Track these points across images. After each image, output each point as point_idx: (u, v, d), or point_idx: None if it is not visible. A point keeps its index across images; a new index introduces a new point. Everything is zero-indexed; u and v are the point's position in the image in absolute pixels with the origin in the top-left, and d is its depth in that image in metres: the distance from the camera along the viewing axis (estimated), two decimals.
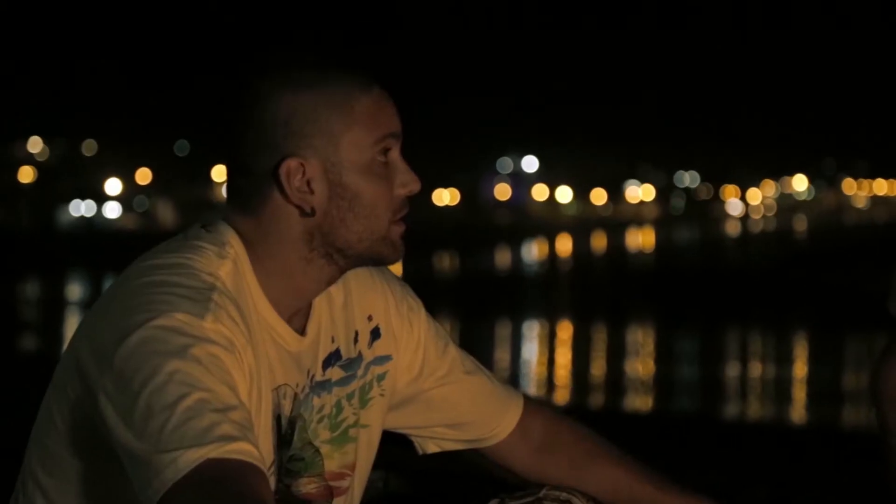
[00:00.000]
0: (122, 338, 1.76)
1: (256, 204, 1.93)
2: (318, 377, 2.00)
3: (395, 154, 1.95)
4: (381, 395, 2.10)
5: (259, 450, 1.66)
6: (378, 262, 1.99)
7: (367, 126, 1.92)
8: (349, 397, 2.04)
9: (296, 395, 1.96)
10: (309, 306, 2.00)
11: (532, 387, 15.78)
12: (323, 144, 1.91)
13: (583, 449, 2.28)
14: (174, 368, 1.70)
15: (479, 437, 2.24)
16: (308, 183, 1.91)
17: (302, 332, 1.98)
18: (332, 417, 2.02)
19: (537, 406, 2.29)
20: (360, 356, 2.07)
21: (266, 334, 1.92)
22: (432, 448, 2.25)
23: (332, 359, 2.02)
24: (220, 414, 1.66)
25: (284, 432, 1.96)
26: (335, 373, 2.03)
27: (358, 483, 2.09)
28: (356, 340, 2.07)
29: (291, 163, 1.90)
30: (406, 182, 1.96)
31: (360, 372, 2.06)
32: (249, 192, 1.93)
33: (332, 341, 2.03)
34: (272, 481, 1.95)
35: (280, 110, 1.89)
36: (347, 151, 1.91)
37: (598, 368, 17.86)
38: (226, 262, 1.90)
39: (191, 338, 1.75)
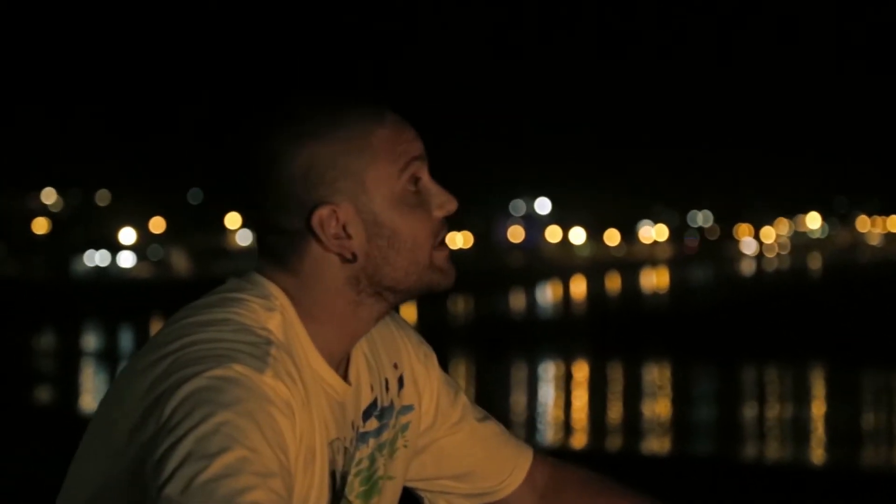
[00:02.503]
0: (174, 387, 1.66)
1: (293, 259, 1.84)
2: (361, 428, 1.91)
3: (425, 178, 1.86)
4: (405, 446, 2.02)
5: None
6: (431, 290, 1.89)
7: (389, 157, 1.83)
8: (380, 448, 1.95)
9: (346, 448, 1.87)
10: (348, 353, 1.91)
11: (549, 429, 15.72)
12: (349, 186, 1.82)
13: (589, 490, 2.21)
14: (224, 420, 1.60)
15: (490, 490, 2.16)
16: (344, 228, 1.82)
17: (345, 379, 1.89)
18: (367, 470, 1.93)
19: (543, 456, 2.22)
20: (391, 405, 1.98)
21: (318, 387, 1.83)
22: None
23: (371, 409, 1.94)
24: (259, 478, 1.56)
25: (339, 488, 1.87)
26: (372, 423, 1.94)
27: None
28: (387, 388, 1.98)
29: (323, 211, 1.80)
30: (442, 203, 1.87)
31: (391, 422, 1.98)
32: (283, 248, 1.83)
33: (372, 390, 1.95)
34: None
35: (297, 166, 1.80)
36: (375, 188, 1.82)
37: (614, 410, 17.79)
38: (274, 314, 1.81)
39: (248, 391, 1.66)
